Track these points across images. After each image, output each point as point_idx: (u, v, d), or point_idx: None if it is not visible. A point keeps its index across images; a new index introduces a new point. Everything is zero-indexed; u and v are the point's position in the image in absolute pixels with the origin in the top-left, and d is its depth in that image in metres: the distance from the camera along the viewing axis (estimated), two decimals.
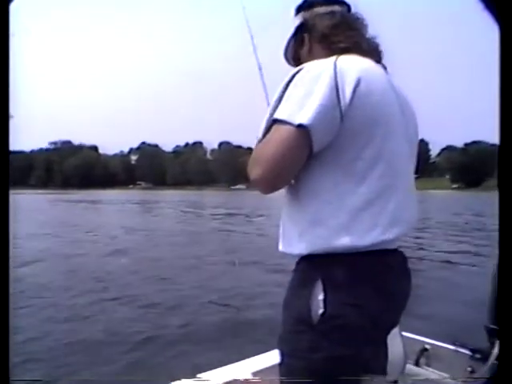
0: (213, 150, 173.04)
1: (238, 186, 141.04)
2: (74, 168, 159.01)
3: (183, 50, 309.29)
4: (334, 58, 1.47)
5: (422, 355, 2.72)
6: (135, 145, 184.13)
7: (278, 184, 1.54)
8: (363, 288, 1.45)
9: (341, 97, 1.40)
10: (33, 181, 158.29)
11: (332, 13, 1.70)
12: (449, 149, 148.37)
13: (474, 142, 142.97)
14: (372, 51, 1.62)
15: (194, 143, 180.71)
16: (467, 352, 2.59)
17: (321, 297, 1.43)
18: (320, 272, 1.46)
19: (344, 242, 1.45)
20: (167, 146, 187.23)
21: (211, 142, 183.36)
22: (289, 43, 1.80)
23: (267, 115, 1.51)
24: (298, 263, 1.56)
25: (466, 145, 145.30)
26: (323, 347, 1.42)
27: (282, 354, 1.53)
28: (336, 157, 1.47)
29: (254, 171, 1.51)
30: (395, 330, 1.81)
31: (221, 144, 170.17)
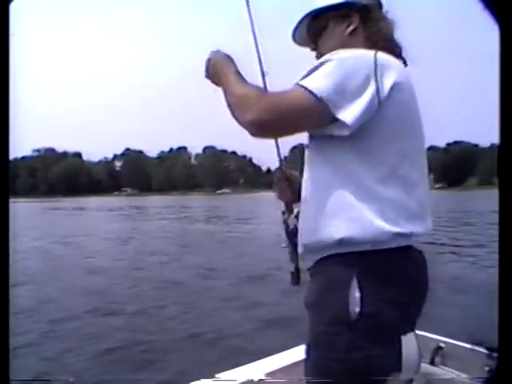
0: (197, 155, 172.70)
1: (223, 190, 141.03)
2: (58, 176, 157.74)
3: (168, 56, 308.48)
4: (372, 51, 1.51)
5: (437, 354, 2.69)
6: (119, 151, 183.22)
7: (274, 131, 1.60)
8: (396, 284, 1.49)
9: (379, 86, 1.44)
10: (16, 189, 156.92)
11: (380, 6, 1.71)
12: (433, 149, 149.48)
13: (456, 142, 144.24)
14: (400, 51, 1.65)
15: (179, 148, 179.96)
16: (484, 351, 2.57)
17: (357, 295, 1.44)
18: (353, 270, 1.47)
19: (378, 229, 1.46)
20: (152, 151, 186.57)
21: (196, 147, 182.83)
22: (317, 15, 1.72)
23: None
24: (323, 263, 1.56)
25: (448, 145, 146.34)
26: (363, 346, 1.44)
27: (316, 356, 1.52)
28: (368, 145, 1.49)
29: (254, 109, 1.49)
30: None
31: (205, 149, 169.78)
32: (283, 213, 1.88)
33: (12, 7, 1.02)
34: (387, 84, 1.45)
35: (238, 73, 1.62)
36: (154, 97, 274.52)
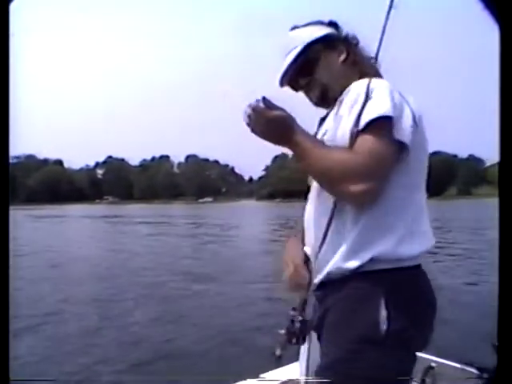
0: (180, 164, 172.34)
1: (205, 199, 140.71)
2: (39, 183, 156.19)
3: (151, 64, 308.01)
4: (379, 79, 1.61)
5: (428, 373, 2.69)
6: (101, 159, 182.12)
7: (378, 194, 1.52)
8: (418, 301, 1.54)
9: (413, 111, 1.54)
10: None
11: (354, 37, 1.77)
12: None
13: (435, 153, 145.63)
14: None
15: (161, 157, 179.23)
16: (474, 371, 2.58)
17: (384, 313, 1.46)
18: (380, 288, 1.50)
19: (407, 250, 1.52)
20: (134, 159, 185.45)
21: (178, 156, 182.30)
22: (304, 51, 1.72)
23: (349, 125, 1.52)
24: (349, 280, 1.54)
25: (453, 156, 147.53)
26: (391, 364, 1.47)
27: (341, 372, 1.49)
28: (404, 167, 1.54)
29: (359, 182, 1.47)
30: None
31: (188, 157, 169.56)
32: (294, 309, 1.69)
33: (12, 7, 1.01)
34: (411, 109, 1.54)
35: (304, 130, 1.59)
36: (136, 105, 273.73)
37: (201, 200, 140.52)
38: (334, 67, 1.72)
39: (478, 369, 2.57)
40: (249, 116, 1.55)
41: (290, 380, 2.30)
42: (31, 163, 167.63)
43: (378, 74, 1.69)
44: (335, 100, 1.65)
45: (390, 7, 1.80)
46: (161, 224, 37.22)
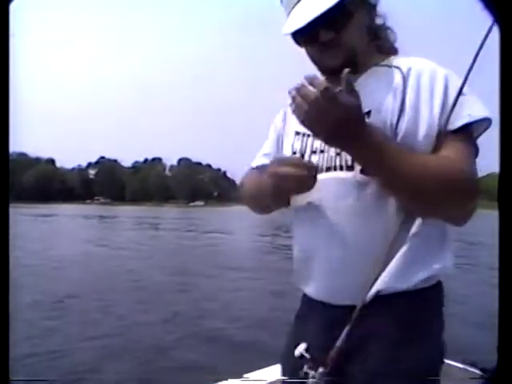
0: (172, 166, 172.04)
1: (196, 203, 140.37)
2: (30, 181, 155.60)
3: (146, 65, 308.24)
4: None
5: None
6: (94, 159, 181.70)
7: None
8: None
9: None
10: None
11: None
12: None
13: None
14: None
15: (154, 159, 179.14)
16: (477, 371, 2.59)
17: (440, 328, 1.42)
18: (435, 303, 1.41)
19: (448, 266, 1.40)
20: (126, 161, 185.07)
21: (170, 158, 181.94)
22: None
23: (433, 120, 1.28)
24: (399, 298, 1.34)
25: None
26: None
27: None
28: None
29: (468, 196, 1.27)
30: None
31: (180, 160, 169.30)
32: (311, 368, 1.37)
33: (12, 7, 1.01)
34: None
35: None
36: (130, 106, 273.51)
37: (192, 204, 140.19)
38: (364, 31, 1.42)
39: (480, 369, 2.58)
40: (313, 101, 1.14)
41: (273, 381, 2.29)
42: (23, 161, 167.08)
43: (396, 52, 1.46)
44: (355, 70, 1.30)
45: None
46: (151, 226, 37.10)
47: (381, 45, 1.46)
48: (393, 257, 1.32)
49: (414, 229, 1.34)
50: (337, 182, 1.38)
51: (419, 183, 1.22)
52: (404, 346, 1.33)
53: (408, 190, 1.25)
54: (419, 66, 1.34)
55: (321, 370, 1.33)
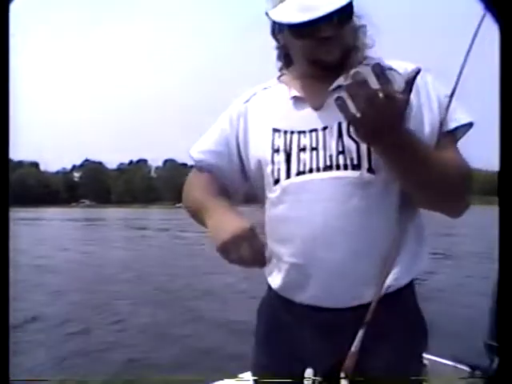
0: (157, 168, 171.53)
1: (182, 204, 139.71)
2: (14, 185, 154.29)
3: (128, 65, 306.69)
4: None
5: None
6: (78, 162, 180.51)
7: None
8: None
9: None
10: None
11: None
12: None
13: None
14: None
15: (139, 161, 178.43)
16: (466, 368, 2.61)
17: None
18: (415, 299, 1.48)
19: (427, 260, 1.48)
20: (111, 163, 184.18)
21: (156, 160, 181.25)
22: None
23: (435, 121, 1.36)
24: (391, 296, 1.37)
25: None
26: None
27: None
28: None
29: (466, 191, 1.40)
30: None
31: (165, 161, 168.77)
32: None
33: (12, 7, 1.01)
34: None
35: None
36: (114, 108, 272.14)
37: (178, 204, 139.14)
38: (351, 37, 1.42)
39: (470, 367, 2.61)
40: (366, 94, 1.10)
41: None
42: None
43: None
44: (341, 68, 1.38)
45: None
46: (137, 228, 36.96)
47: (360, 45, 1.47)
48: (394, 254, 1.35)
49: (407, 226, 1.38)
50: (339, 181, 1.36)
51: (439, 179, 1.29)
52: (413, 340, 1.44)
53: (429, 185, 1.30)
54: (409, 68, 1.29)
55: (344, 382, 1.30)
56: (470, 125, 1.39)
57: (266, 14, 1.40)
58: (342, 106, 1.14)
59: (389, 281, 1.35)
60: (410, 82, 1.12)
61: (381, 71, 1.09)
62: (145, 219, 52.88)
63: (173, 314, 8.62)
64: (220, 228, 1.28)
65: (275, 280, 1.48)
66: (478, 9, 0.92)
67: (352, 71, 1.13)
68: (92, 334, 7.38)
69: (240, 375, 2.39)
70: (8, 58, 0.98)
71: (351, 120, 1.17)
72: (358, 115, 1.13)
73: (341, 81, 1.37)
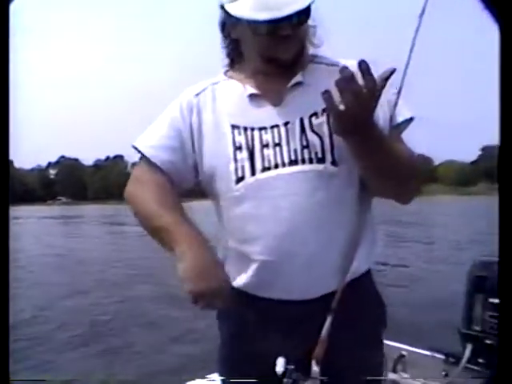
0: (134, 164, 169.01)
1: None
2: None
3: (104, 61, 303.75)
4: None
5: (399, 362, 2.77)
6: (54, 159, 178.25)
7: None
8: None
9: None
10: None
11: None
12: None
13: None
14: None
15: (115, 157, 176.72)
16: (442, 356, 2.67)
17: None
18: (374, 284, 1.55)
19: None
20: (87, 159, 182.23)
21: (132, 156, 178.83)
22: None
23: (385, 116, 1.39)
24: (355, 282, 1.41)
25: None
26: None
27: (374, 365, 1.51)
28: None
29: (417, 179, 1.51)
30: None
31: (141, 158, 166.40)
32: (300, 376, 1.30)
33: (12, 7, 1.01)
34: None
35: None
36: (88, 104, 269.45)
37: None
38: (307, 30, 1.47)
39: (446, 355, 2.66)
40: (353, 89, 1.15)
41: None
42: None
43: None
44: (294, 66, 1.44)
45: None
46: (114, 224, 36.73)
47: (311, 44, 1.52)
48: (356, 242, 1.40)
49: (365, 215, 1.45)
50: (305, 175, 1.38)
51: (397, 167, 1.34)
52: (376, 322, 1.54)
53: (389, 173, 1.35)
54: (354, 65, 1.28)
55: (316, 368, 1.33)
56: (411, 119, 1.43)
57: (222, 6, 1.42)
58: (328, 99, 1.16)
59: (352, 268, 1.38)
60: (385, 80, 1.17)
61: (366, 68, 1.13)
62: (123, 215, 52.53)
63: (156, 307, 8.60)
64: (194, 272, 1.24)
65: (241, 279, 1.46)
66: (478, 9, 0.91)
67: (340, 67, 1.17)
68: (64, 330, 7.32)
69: (208, 376, 2.38)
70: (8, 58, 0.99)
71: (335, 113, 1.19)
72: (342, 108, 1.16)
73: (299, 78, 1.43)
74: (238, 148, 1.42)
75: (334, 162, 1.39)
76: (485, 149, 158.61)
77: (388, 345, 2.65)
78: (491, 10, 0.92)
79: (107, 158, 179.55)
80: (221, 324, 1.58)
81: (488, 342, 2.39)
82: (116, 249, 19.52)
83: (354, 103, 1.15)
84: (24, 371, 5.25)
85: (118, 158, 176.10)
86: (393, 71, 1.17)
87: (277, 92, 1.45)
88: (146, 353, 6.22)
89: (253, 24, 1.35)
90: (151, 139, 1.52)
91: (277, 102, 1.44)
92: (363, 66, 1.12)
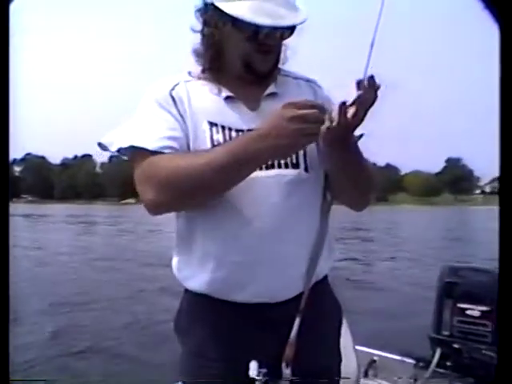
0: (103, 164, 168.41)
1: (127, 200, 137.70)
2: None
3: (78, 56, 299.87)
4: None
5: (371, 367, 2.81)
6: (19, 156, 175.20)
7: None
8: None
9: None
10: None
11: None
12: None
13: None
14: None
15: (83, 156, 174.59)
16: (412, 361, 2.71)
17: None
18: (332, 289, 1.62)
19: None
20: (54, 157, 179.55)
21: (101, 155, 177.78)
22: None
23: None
24: (319, 284, 1.49)
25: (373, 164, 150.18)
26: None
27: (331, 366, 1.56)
28: None
29: (374, 188, 1.65)
30: (349, 344, 1.94)
31: (111, 157, 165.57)
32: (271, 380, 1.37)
33: (12, 7, 1.00)
34: None
35: None
36: (57, 101, 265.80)
37: (123, 201, 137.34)
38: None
39: (415, 359, 2.72)
40: (368, 99, 1.21)
41: None
42: None
43: None
44: (265, 76, 1.49)
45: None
46: (81, 224, 36.31)
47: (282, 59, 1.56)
48: (320, 245, 1.46)
49: (327, 220, 1.51)
50: (282, 179, 1.41)
51: (365, 177, 1.47)
52: (337, 323, 1.62)
53: (357, 180, 1.46)
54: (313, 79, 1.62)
55: (287, 371, 1.37)
56: (361, 135, 1.44)
57: (212, 4, 1.41)
58: (342, 112, 1.20)
59: (317, 270, 1.45)
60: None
61: (374, 82, 1.19)
62: (90, 215, 51.88)
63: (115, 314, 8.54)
64: (287, 125, 1.21)
65: (211, 283, 1.44)
66: (478, 9, 0.91)
67: (356, 81, 1.20)
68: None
69: None
70: (8, 58, 0.98)
71: (344, 127, 1.23)
72: (354, 121, 1.23)
73: (273, 88, 1.50)
74: (215, 146, 1.40)
75: (306, 169, 1.45)
76: (449, 160, 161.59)
77: (360, 350, 2.69)
78: (491, 9, 0.93)
79: (75, 157, 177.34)
80: (183, 332, 1.55)
81: (456, 346, 2.45)
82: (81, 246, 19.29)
83: (363, 115, 1.22)
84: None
85: (87, 156, 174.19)
86: (379, 86, 1.20)
87: (253, 98, 1.49)
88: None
89: (245, 28, 1.37)
90: (149, 134, 1.40)
91: (253, 107, 1.48)
92: (371, 80, 1.18)
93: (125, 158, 1.46)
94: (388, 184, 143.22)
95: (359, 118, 1.22)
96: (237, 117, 1.46)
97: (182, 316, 1.55)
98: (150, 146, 1.37)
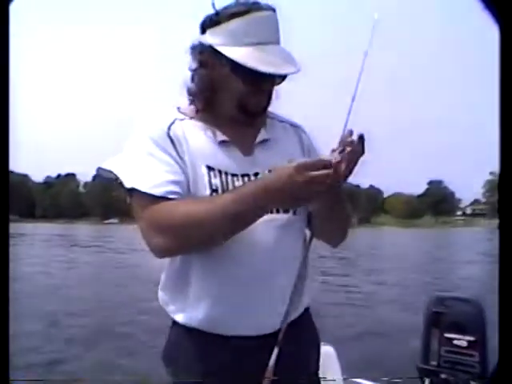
0: (86, 183, 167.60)
1: (110, 220, 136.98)
2: None
3: (64, 74, 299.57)
4: None
5: None
6: None
7: None
8: None
9: None
10: None
11: None
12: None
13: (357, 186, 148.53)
14: None
15: (67, 175, 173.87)
16: None
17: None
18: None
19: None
20: (37, 176, 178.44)
21: (85, 174, 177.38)
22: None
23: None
24: (299, 319, 1.58)
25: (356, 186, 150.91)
26: None
27: None
28: None
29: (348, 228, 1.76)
30: (338, 375, 2.12)
31: (95, 177, 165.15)
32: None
33: (12, 7, 1.00)
34: None
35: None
36: (42, 117, 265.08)
37: (106, 221, 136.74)
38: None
39: None
40: (356, 158, 1.35)
41: None
42: None
43: None
44: (257, 119, 1.57)
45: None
46: (64, 244, 35.98)
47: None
48: (303, 280, 1.54)
49: (308, 255, 1.54)
50: (273, 223, 1.49)
51: (345, 214, 1.64)
52: (317, 353, 1.69)
53: (339, 221, 1.64)
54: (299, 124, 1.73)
55: None
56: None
57: (210, 46, 1.47)
58: (337, 167, 1.30)
59: (303, 301, 1.59)
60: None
61: (363, 139, 1.35)
62: (73, 235, 51.48)
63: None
64: (295, 177, 1.26)
65: (206, 320, 1.47)
66: (478, 9, 0.91)
67: (356, 136, 1.35)
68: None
69: None
70: (8, 58, 0.98)
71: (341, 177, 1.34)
72: (347, 174, 1.36)
73: (264, 135, 1.58)
74: (214, 190, 1.45)
75: (294, 212, 1.54)
76: (431, 183, 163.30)
77: (350, 380, 2.73)
78: (491, 9, 0.94)
79: (58, 176, 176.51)
80: (173, 363, 1.58)
81: (444, 376, 2.48)
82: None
83: (354, 169, 1.36)
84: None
85: (70, 175, 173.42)
86: (363, 136, 1.35)
87: (246, 143, 1.56)
88: None
89: (243, 72, 1.43)
90: (152, 178, 1.41)
91: (246, 152, 1.54)
92: (362, 137, 1.34)
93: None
94: (370, 206, 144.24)
95: (351, 170, 1.35)
96: (232, 161, 1.50)
97: (172, 348, 1.58)
98: (156, 192, 1.38)
